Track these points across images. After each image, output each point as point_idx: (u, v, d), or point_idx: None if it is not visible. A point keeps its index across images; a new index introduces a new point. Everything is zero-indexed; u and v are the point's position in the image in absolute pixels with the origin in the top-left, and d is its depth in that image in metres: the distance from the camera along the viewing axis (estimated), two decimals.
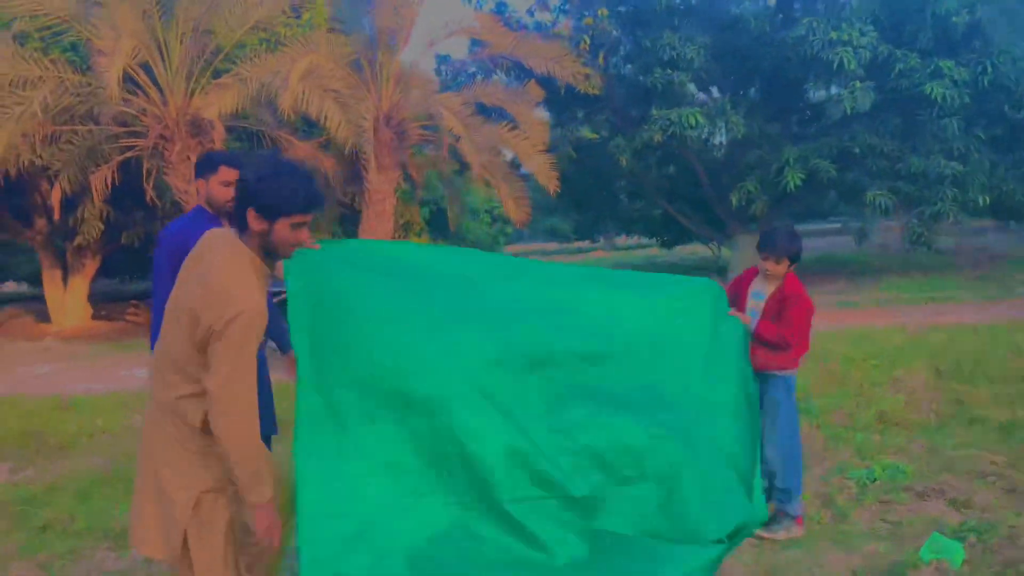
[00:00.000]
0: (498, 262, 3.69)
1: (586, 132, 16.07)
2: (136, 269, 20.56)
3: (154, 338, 3.37)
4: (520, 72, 13.30)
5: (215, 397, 2.11)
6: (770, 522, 3.53)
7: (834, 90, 12.68)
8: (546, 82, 12.58)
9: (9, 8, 9.63)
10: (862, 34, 11.52)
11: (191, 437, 2.26)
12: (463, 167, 13.22)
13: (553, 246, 46.84)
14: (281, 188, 2.21)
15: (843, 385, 5.61)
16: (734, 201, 13.54)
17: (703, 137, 12.71)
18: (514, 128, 11.74)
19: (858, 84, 11.60)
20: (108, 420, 5.98)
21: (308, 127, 12.38)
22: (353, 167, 11.16)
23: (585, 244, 42.46)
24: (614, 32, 12.81)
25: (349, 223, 12.95)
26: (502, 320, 3.06)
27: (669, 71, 12.34)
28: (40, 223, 14.27)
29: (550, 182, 11.95)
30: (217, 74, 10.82)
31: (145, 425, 2.37)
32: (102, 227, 12.98)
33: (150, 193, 10.88)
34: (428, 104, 10.31)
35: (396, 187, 11.31)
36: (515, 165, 13.21)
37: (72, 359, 9.51)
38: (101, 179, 10.66)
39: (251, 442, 2.17)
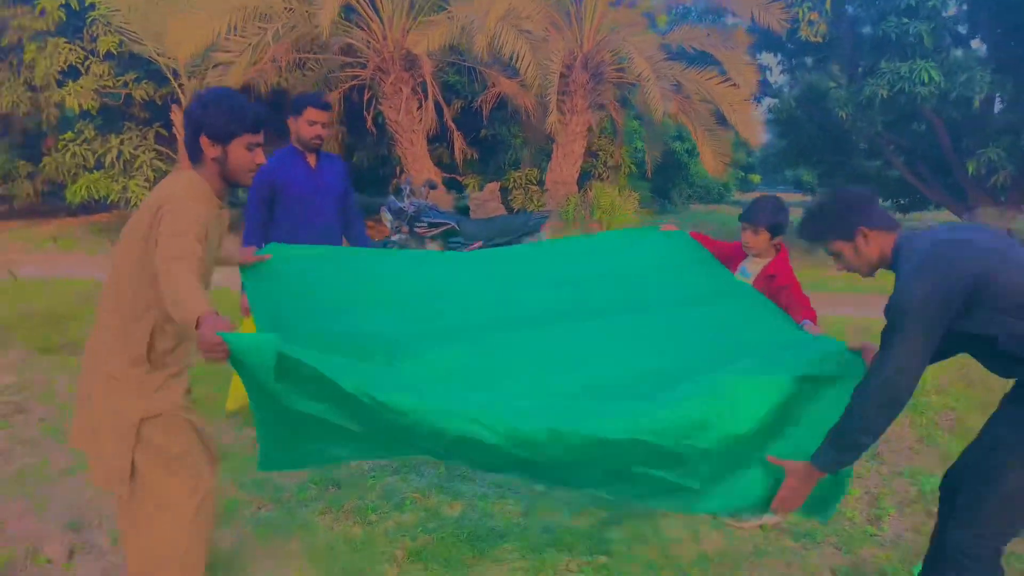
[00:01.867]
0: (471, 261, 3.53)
1: (817, 79, 15.01)
2: (371, 186, 22.68)
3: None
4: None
5: (159, 271, 2.10)
6: None
7: None
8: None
9: None
10: None
11: (130, 368, 2.32)
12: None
13: (796, 197, 44.21)
14: (228, 110, 2.31)
15: (971, 387, 5.12)
16: (970, 169, 12.10)
17: (938, 94, 11.33)
18: (721, 75, 11.34)
19: None
20: None
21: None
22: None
23: None
24: None
25: (546, 156, 13.29)
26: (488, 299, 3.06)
27: (905, 20, 11.14)
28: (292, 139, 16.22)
29: (752, 135, 11.48)
30: (440, 10, 11.55)
31: (85, 358, 2.41)
32: (336, 146, 14.51)
33: (369, 121, 11.98)
34: (624, 47, 10.27)
35: (588, 128, 11.45)
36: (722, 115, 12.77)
37: None
38: (331, 103, 11.93)
39: (189, 290, 2.04)
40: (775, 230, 3.35)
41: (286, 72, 12.29)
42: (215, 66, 10.86)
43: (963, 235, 2.35)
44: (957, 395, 5.03)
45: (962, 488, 2.45)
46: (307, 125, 3.84)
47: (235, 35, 10.45)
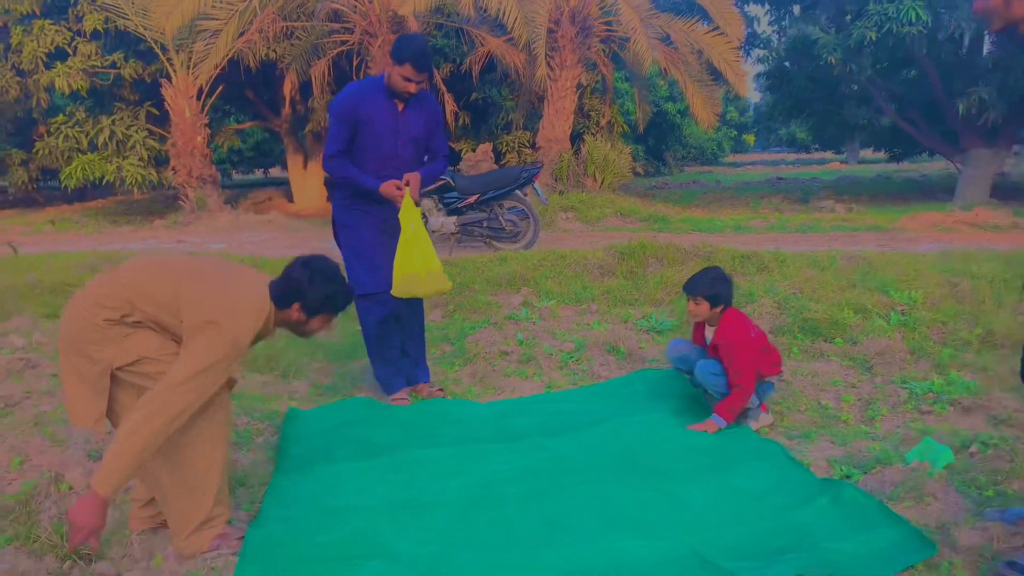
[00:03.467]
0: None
1: (805, 29, 14.93)
2: None
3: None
4: None
5: (167, 388, 2.25)
6: (746, 416, 3.72)
7: None
8: None
9: None
10: None
11: (112, 327, 2.39)
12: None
13: (792, 156, 44.10)
14: (331, 294, 2.55)
15: (961, 302, 5.21)
16: (961, 109, 12.12)
17: (927, 35, 11.32)
18: (708, 26, 11.33)
19: None
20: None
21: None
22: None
23: (828, 155, 39.59)
24: None
25: (539, 117, 13.30)
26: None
27: None
28: (285, 112, 16.16)
29: (742, 85, 11.48)
30: None
31: (67, 312, 2.45)
32: (327, 117, 14.49)
33: None
34: None
35: (578, 84, 11.45)
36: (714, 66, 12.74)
37: (287, 230, 11.02)
38: (320, 71, 11.92)
39: (150, 445, 2.24)
40: (714, 300, 3.63)
41: (274, 43, 12.28)
42: (202, 32, 10.81)
43: None
44: (948, 310, 5.12)
45: None
46: (401, 79, 3.64)
47: (221, 3, 10.42)
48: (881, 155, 24.76)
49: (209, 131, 12.83)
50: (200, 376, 2.29)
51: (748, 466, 3.15)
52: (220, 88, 12.41)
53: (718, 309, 3.66)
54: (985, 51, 13.65)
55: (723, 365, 3.62)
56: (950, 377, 4.13)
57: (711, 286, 3.64)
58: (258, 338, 2.51)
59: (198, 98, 12.17)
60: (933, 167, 23.88)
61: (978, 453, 3.18)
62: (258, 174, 31.73)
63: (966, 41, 13.62)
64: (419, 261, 3.70)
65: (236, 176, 29.28)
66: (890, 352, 4.61)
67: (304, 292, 2.50)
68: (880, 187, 18.35)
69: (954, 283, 5.54)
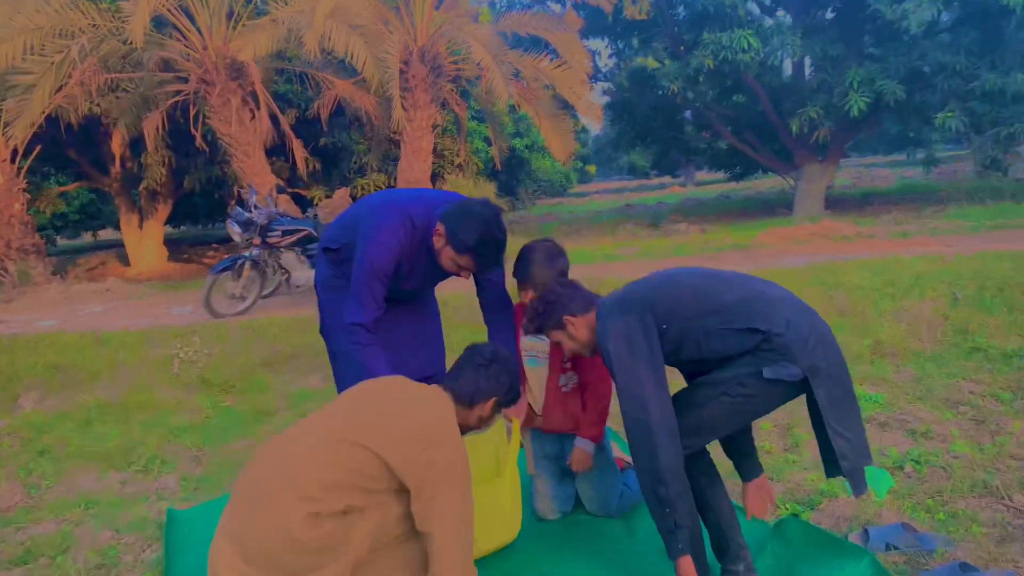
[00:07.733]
0: None
1: (644, 60, 15.50)
2: (207, 214, 21.32)
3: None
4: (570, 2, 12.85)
5: (442, 538, 2.08)
6: None
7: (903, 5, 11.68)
8: (595, 10, 12.18)
9: None
10: None
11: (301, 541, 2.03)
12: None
13: (634, 183, 45.98)
14: (512, 382, 2.42)
15: (843, 315, 5.33)
16: (794, 128, 12.87)
17: (759, 61, 12.00)
18: (555, 60, 11.43)
19: None
20: (131, 354, 6.24)
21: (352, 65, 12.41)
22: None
23: (667, 180, 41.59)
24: None
25: (393, 161, 12.96)
26: None
27: None
28: (114, 171, 14.93)
29: (593, 115, 11.66)
30: (261, 14, 10.94)
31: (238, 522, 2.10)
32: (164, 172, 13.51)
33: (199, 138, 11.20)
34: (460, 36, 10.14)
35: (433, 124, 11.24)
36: (563, 99, 12.91)
37: (128, 298, 10.03)
38: (152, 125, 10.98)
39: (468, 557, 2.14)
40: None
41: (97, 96, 11.26)
42: (12, 88, 9.73)
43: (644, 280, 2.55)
44: (833, 323, 5.17)
45: None
46: (452, 263, 2.72)
47: (34, 56, 9.44)
48: (718, 176, 26.23)
49: (28, 196, 11.58)
50: (459, 500, 2.12)
51: None
52: (37, 149, 11.22)
53: None
54: (807, 75, 14.66)
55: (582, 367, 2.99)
56: (858, 393, 4.12)
57: (551, 264, 2.85)
58: None
59: (12, 161, 10.95)
60: (767, 184, 25.37)
61: (914, 473, 3.11)
62: (87, 238, 29.33)
63: (790, 67, 14.63)
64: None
65: (62, 242, 26.89)
66: None
67: (494, 390, 2.36)
68: (723, 206, 19.27)
69: (832, 295, 5.68)
